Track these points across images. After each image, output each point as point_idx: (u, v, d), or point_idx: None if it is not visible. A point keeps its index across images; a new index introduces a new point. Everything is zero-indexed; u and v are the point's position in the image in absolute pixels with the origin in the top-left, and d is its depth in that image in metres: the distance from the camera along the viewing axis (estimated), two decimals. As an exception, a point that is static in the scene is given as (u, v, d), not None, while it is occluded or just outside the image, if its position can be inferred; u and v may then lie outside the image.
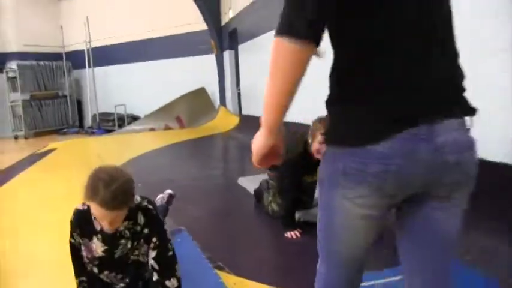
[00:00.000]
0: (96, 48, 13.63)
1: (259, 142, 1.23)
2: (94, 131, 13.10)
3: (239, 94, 10.90)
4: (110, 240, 2.03)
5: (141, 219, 2.05)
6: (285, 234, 3.32)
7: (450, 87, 1.15)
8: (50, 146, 9.36)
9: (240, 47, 10.21)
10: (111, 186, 1.80)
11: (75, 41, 14.08)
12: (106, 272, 2.12)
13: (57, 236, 2.75)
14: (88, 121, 14.61)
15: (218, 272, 2.76)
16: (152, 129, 11.55)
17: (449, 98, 1.14)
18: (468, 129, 1.16)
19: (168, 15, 12.34)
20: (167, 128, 11.46)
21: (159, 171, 6.39)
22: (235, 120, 10.51)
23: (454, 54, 1.18)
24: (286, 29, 1.05)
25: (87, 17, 13.22)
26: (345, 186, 1.17)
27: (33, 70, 13.62)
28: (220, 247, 3.26)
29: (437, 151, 1.10)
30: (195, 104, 11.68)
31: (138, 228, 2.05)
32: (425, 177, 1.13)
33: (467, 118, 1.16)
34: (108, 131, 12.68)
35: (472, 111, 1.16)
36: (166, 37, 12.57)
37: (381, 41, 1.10)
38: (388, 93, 1.10)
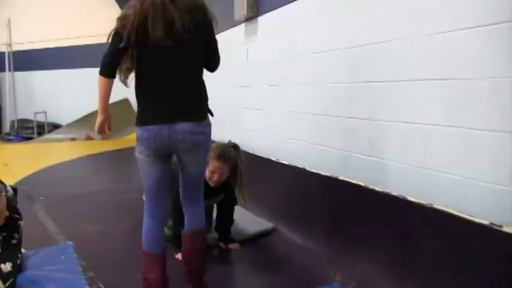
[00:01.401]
0: (17, 51, 12.90)
1: (98, 119, 2.46)
2: (11, 138, 12.33)
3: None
4: None
5: None
6: (176, 256, 3.17)
7: (186, 108, 2.40)
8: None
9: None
10: None
11: (-6, 42, 13.24)
12: None
13: None
14: (6, 127, 13.77)
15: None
16: (73, 139, 11.07)
17: (185, 113, 2.39)
18: (199, 125, 2.41)
19: (95, 23, 11.90)
20: (88, 138, 11.00)
21: (67, 184, 6.06)
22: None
23: (192, 91, 2.45)
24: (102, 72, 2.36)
25: (8, 18, 12.55)
26: (140, 147, 2.42)
27: None
28: (107, 267, 3.08)
29: (173, 132, 2.35)
30: (118, 115, 11.14)
31: None
32: (168, 144, 2.38)
33: (201, 121, 2.43)
34: (27, 139, 11.99)
35: (199, 119, 2.42)
36: (92, 45, 12.05)
37: (148, 83, 2.41)
38: (155, 109, 2.38)
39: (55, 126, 12.44)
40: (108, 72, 2.34)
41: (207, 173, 3.11)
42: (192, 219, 2.65)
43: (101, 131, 2.47)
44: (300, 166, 3.79)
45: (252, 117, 4.98)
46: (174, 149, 2.42)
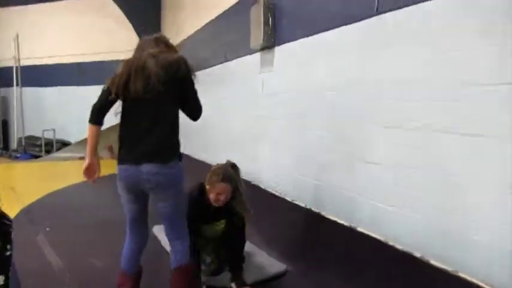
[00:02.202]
0: (27, 67, 12.88)
1: (85, 162, 2.71)
2: (18, 155, 12.24)
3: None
4: None
5: None
6: None
7: (152, 152, 2.62)
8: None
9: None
10: None
11: (4, 57, 13.17)
12: None
13: None
14: (14, 144, 13.69)
15: None
16: (82, 158, 10.82)
17: (150, 156, 2.62)
18: (163, 166, 2.62)
19: (106, 40, 11.88)
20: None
21: (75, 211, 5.86)
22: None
23: (162, 137, 2.67)
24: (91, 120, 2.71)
25: (17, 33, 12.50)
26: (119, 184, 2.75)
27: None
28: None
29: (140, 173, 2.62)
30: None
31: None
32: (137, 182, 2.66)
33: (164, 163, 2.63)
34: (35, 157, 11.90)
35: (163, 161, 2.63)
36: (102, 62, 12.03)
37: (127, 129, 2.71)
38: (128, 152, 2.68)
39: (64, 144, 12.34)
40: (96, 120, 2.70)
41: (213, 196, 3.18)
42: (173, 255, 2.84)
43: (88, 174, 2.73)
44: (315, 210, 3.65)
45: (266, 151, 4.81)
46: (142, 187, 2.69)
